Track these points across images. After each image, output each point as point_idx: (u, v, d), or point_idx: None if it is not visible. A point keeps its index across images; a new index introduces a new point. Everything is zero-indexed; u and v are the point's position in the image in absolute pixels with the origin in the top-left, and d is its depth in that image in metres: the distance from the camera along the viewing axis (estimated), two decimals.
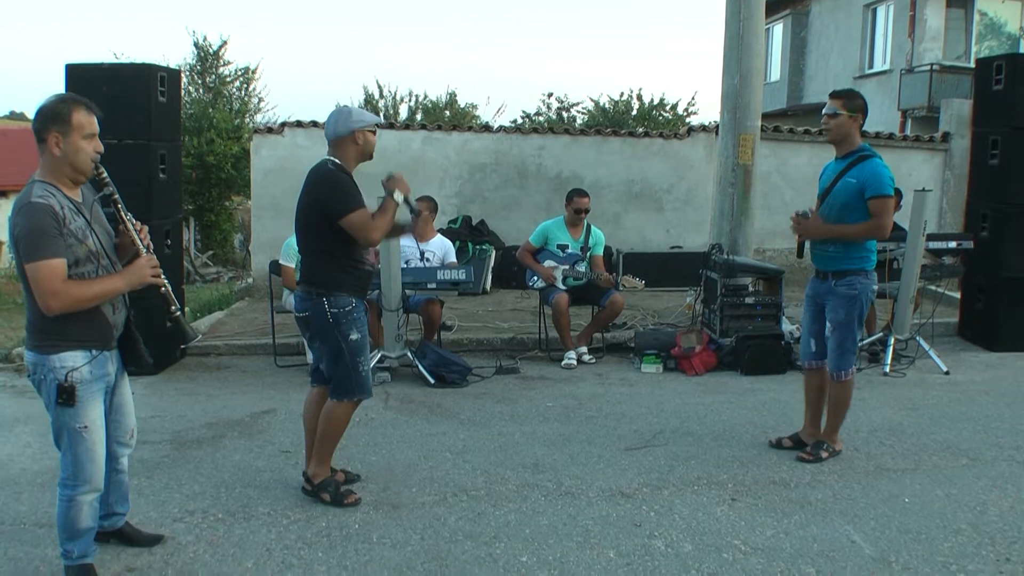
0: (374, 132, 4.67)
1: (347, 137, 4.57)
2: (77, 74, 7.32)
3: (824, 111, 5.30)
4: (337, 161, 4.58)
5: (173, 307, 3.74)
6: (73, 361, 3.49)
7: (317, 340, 4.62)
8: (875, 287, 5.38)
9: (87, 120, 3.47)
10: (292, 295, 7.85)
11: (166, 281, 3.69)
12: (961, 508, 4.63)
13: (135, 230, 3.64)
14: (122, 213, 3.63)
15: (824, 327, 5.38)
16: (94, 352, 3.55)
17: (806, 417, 5.62)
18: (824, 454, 5.36)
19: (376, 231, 4.52)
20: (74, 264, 3.44)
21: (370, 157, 4.71)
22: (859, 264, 5.26)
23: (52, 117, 3.43)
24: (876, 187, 5.13)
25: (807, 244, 5.51)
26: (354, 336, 4.55)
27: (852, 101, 5.25)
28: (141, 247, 3.62)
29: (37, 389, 3.57)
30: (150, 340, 3.95)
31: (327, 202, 4.46)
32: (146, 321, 6.91)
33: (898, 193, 8.44)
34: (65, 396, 3.47)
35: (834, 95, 5.33)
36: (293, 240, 7.94)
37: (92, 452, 3.59)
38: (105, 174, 3.58)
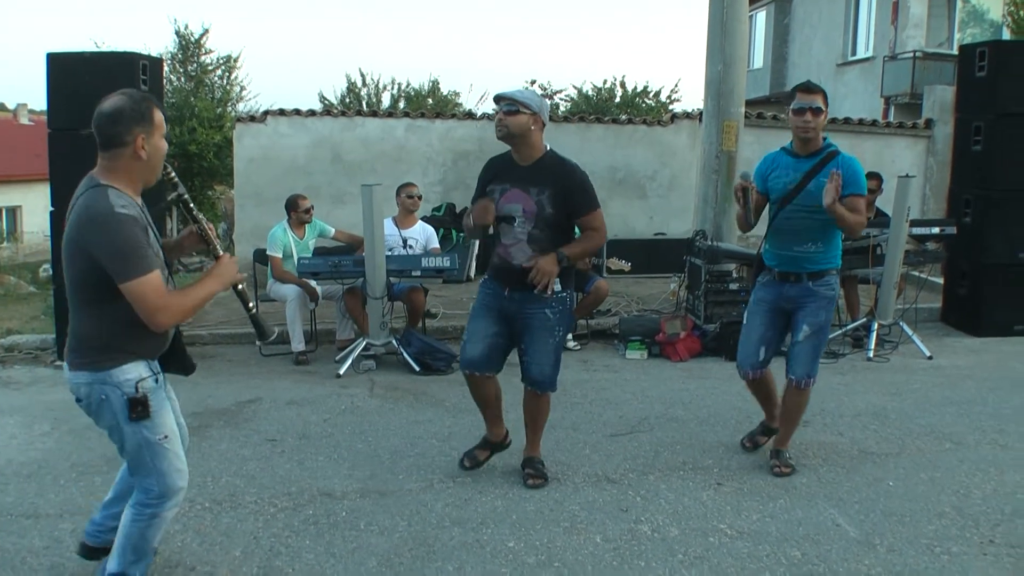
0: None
1: None
2: (59, 63, 7.24)
3: (806, 105, 4.69)
4: None
5: (251, 303, 3.55)
6: (137, 372, 3.19)
7: None
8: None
9: (162, 118, 3.20)
10: (276, 284, 7.87)
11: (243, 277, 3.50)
12: (945, 491, 4.66)
13: (208, 228, 3.40)
14: (194, 212, 3.37)
15: (778, 334, 5.05)
16: (149, 363, 3.26)
17: (766, 411, 5.33)
18: (791, 460, 5.01)
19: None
20: None
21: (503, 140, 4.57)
22: (836, 262, 4.93)
23: (137, 117, 3.08)
24: (857, 186, 4.68)
25: (766, 243, 5.01)
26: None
27: (825, 95, 4.79)
28: (219, 247, 3.38)
29: (93, 413, 3.24)
30: None
31: None
32: None
33: (878, 177, 8.52)
34: (139, 409, 3.19)
35: (813, 89, 4.75)
36: (278, 230, 7.94)
37: (178, 462, 3.33)
38: (173, 173, 3.30)
